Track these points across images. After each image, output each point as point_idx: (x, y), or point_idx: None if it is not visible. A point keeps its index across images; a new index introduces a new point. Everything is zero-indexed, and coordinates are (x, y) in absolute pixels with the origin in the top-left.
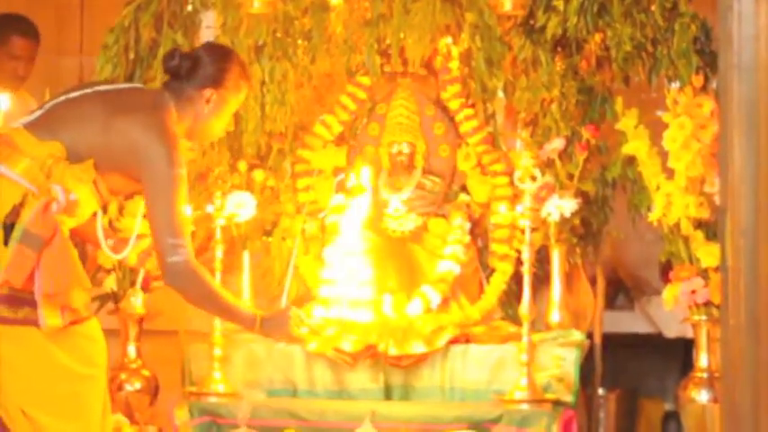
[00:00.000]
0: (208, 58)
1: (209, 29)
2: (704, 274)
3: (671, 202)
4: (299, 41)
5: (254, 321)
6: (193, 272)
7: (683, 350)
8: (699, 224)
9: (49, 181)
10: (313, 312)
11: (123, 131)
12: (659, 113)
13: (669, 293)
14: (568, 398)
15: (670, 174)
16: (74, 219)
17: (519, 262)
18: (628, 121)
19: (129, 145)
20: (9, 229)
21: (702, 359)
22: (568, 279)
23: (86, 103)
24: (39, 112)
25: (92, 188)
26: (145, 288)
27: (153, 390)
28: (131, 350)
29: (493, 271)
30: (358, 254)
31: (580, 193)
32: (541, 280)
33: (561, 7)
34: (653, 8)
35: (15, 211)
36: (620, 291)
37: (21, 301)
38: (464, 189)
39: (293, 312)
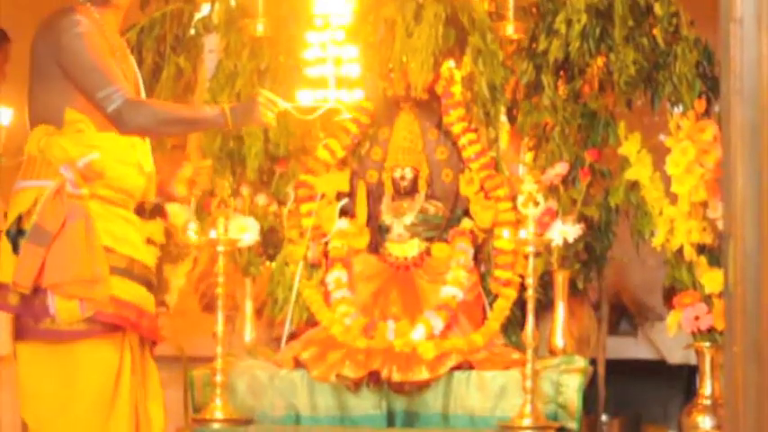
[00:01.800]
0: None
1: (212, 53)
2: (708, 299)
3: (674, 228)
4: (302, 65)
5: (223, 115)
6: (137, 105)
7: (686, 376)
8: (702, 249)
9: (52, 165)
10: (298, 96)
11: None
12: (662, 138)
13: (672, 319)
14: (572, 424)
15: (673, 199)
16: (116, 174)
17: (522, 287)
18: (630, 146)
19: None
20: (17, 236)
21: (706, 386)
22: (572, 305)
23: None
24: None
25: (92, 128)
26: None
27: None
28: None
29: (496, 297)
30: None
31: (583, 219)
32: (545, 305)
33: (563, 31)
34: (655, 32)
35: (24, 217)
36: (624, 316)
37: (38, 308)
38: (467, 214)
39: (262, 96)
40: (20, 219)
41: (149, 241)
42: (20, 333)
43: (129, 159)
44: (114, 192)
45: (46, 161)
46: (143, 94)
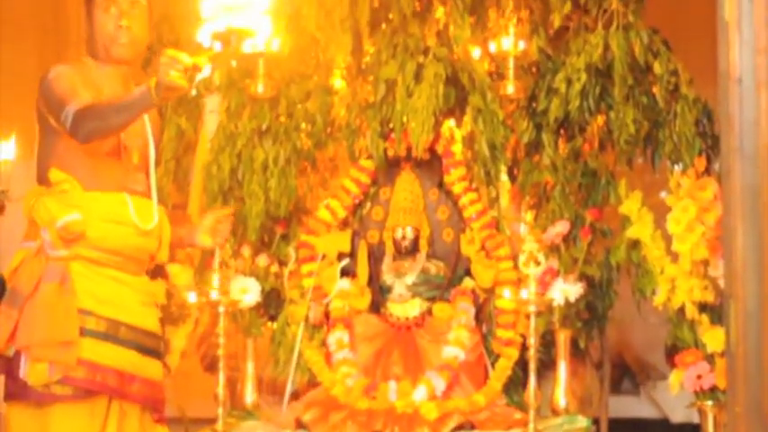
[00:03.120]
0: None
1: (213, 113)
2: (710, 358)
3: (676, 286)
4: (303, 125)
5: (149, 89)
6: (81, 113)
7: None
8: (704, 308)
9: (38, 226)
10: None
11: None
12: (663, 196)
13: (675, 378)
14: None
15: (674, 257)
16: (100, 234)
17: (524, 347)
18: (631, 204)
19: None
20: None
21: None
22: (574, 364)
23: None
24: None
25: (77, 188)
26: None
27: None
28: None
29: (498, 356)
30: None
31: (584, 277)
32: (546, 365)
33: (563, 90)
34: (655, 91)
35: (8, 278)
36: (626, 375)
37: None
38: (468, 273)
39: (164, 56)
40: (3, 280)
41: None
42: (6, 394)
43: (118, 218)
44: (101, 252)
45: (34, 222)
46: (152, 153)
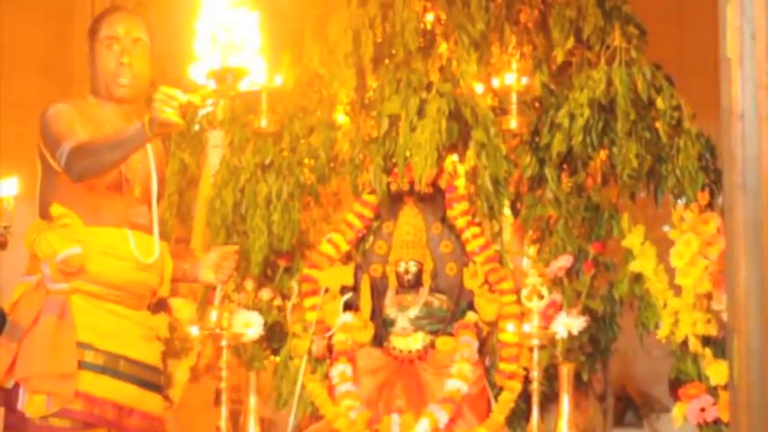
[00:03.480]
0: None
1: (217, 148)
2: (713, 391)
3: (679, 320)
4: (306, 160)
5: (143, 125)
6: (76, 150)
7: None
8: (707, 341)
9: (39, 260)
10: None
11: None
12: (666, 229)
13: (678, 411)
14: None
15: (677, 290)
16: (100, 268)
17: (527, 380)
18: (634, 238)
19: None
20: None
21: None
22: (577, 397)
23: None
24: None
25: (78, 222)
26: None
27: None
28: None
29: (501, 389)
30: None
31: (587, 311)
32: (550, 398)
33: (566, 125)
34: (657, 126)
35: (9, 312)
36: (629, 408)
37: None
38: (471, 307)
39: (159, 93)
40: (4, 313)
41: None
42: (6, 426)
43: (118, 253)
44: (101, 286)
45: (35, 256)
46: (154, 185)
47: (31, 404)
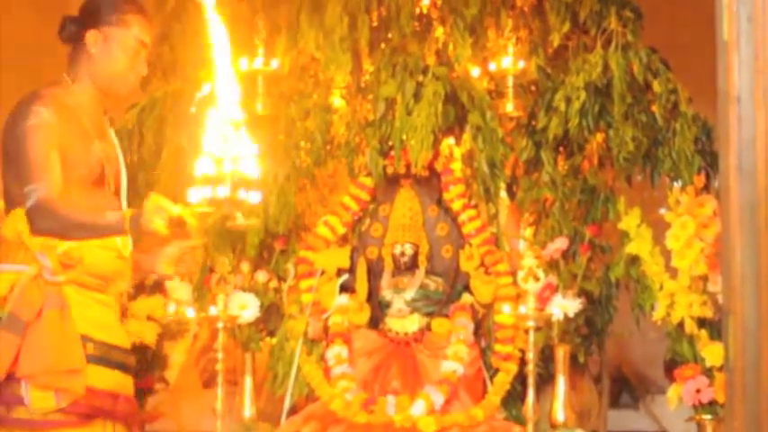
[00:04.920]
0: (83, 7)
1: None
2: (709, 372)
3: (675, 302)
4: (302, 143)
5: (122, 222)
6: (44, 210)
7: None
8: (703, 323)
9: (30, 250)
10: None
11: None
12: (662, 212)
13: (674, 392)
14: None
15: (673, 273)
16: (94, 260)
17: (523, 362)
18: (630, 221)
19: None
20: None
21: None
22: (572, 378)
23: None
24: None
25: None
26: None
27: None
28: None
29: (496, 371)
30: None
31: (583, 293)
32: (545, 379)
33: (562, 108)
34: (654, 109)
35: (0, 303)
36: (625, 389)
37: (10, 397)
38: (467, 289)
39: (151, 202)
40: None
41: (149, 317)
42: None
43: (106, 244)
44: (92, 277)
45: (24, 246)
46: (123, 175)
47: (38, 400)
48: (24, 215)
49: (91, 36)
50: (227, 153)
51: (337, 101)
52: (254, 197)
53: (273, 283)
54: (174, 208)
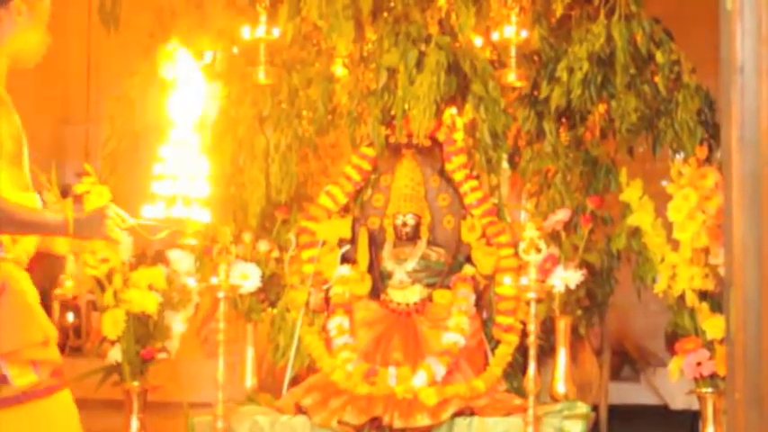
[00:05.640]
0: None
1: (216, 100)
2: (710, 345)
3: (676, 274)
4: (304, 112)
5: (66, 224)
6: None
7: (689, 422)
8: (704, 296)
9: None
10: (144, 212)
11: None
12: (664, 184)
13: (675, 365)
14: None
15: (675, 245)
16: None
17: (524, 333)
18: (632, 192)
19: None
20: None
21: (708, 431)
22: (574, 350)
23: None
24: None
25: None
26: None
27: None
28: (135, 422)
29: (498, 342)
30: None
31: (585, 265)
32: (546, 351)
33: (565, 79)
34: (656, 80)
35: None
36: (626, 362)
37: None
38: (469, 260)
39: (111, 211)
40: None
41: (151, 287)
42: None
43: None
44: (23, 253)
45: None
46: (25, 148)
47: (21, 376)
48: None
49: (20, 3)
50: (180, 173)
51: (340, 70)
52: (203, 217)
53: (275, 253)
54: (130, 220)
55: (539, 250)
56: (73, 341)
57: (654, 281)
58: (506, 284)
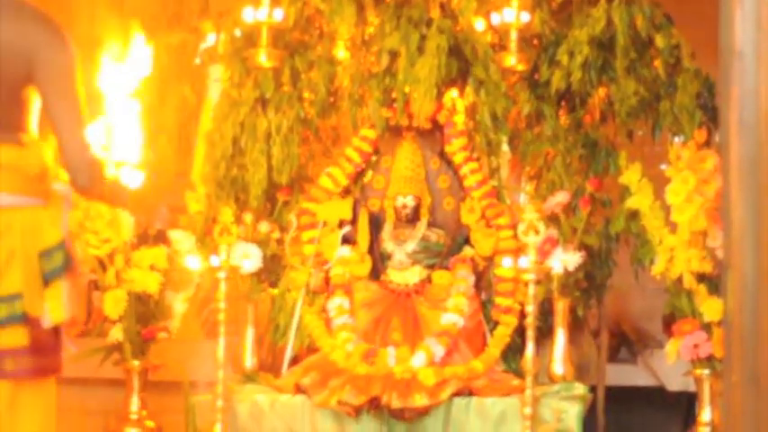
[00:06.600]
0: None
1: (218, 82)
2: (707, 327)
3: (674, 256)
4: (306, 95)
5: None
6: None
7: (685, 404)
8: (702, 278)
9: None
10: None
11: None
12: (662, 167)
13: (672, 347)
14: None
15: (673, 228)
16: None
17: (522, 315)
18: (631, 175)
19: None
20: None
21: (705, 413)
22: (572, 332)
23: None
24: None
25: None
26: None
27: None
28: (135, 401)
29: (496, 324)
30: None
31: (584, 247)
32: (545, 333)
33: (565, 62)
34: (656, 64)
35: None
36: (624, 344)
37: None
38: (468, 242)
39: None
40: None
41: (152, 267)
42: (51, 369)
43: None
44: None
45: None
46: None
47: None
48: None
49: None
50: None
51: (341, 53)
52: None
53: (276, 234)
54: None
55: (538, 232)
56: None
57: (652, 263)
58: (505, 266)
